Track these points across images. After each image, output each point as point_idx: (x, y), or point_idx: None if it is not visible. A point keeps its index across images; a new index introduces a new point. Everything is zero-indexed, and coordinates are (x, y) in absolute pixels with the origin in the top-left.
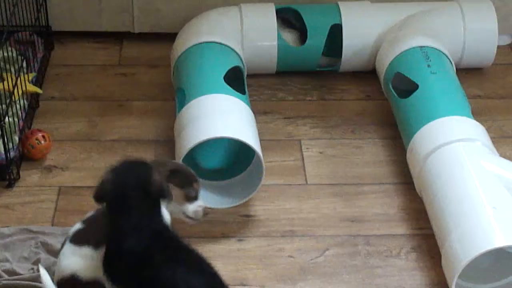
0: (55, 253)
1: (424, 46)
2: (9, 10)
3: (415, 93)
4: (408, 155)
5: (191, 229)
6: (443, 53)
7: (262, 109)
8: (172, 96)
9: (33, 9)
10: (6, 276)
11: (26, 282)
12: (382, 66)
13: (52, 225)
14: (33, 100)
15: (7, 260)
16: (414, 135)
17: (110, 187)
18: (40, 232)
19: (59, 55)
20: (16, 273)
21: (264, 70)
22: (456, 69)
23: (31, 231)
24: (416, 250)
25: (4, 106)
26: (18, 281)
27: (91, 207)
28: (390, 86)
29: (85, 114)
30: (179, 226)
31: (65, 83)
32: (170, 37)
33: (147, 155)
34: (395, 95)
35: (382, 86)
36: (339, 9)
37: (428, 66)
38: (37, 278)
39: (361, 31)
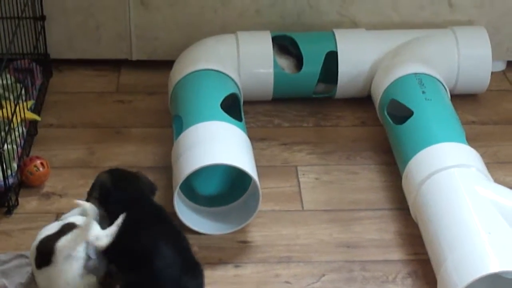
0: None
1: (418, 73)
2: (9, 38)
3: (410, 120)
4: (403, 181)
5: None
6: (438, 80)
7: (258, 135)
8: (169, 123)
9: (32, 37)
10: None
11: None
12: (377, 93)
13: None
14: (32, 128)
15: (5, 287)
16: (409, 161)
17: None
18: None
19: (57, 82)
20: None
21: (260, 97)
22: (451, 95)
23: (27, 257)
24: (412, 276)
25: (3, 133)
26: None
27: None
28: (385, 113)
29: (83, 141)
30: None
31: (63, 111)
32: (167, 65)
33: None
34: (390, 121)
35: (377, 113)
36: (335, 36)
37: (423, 92)
38: None
39: (356, 58)
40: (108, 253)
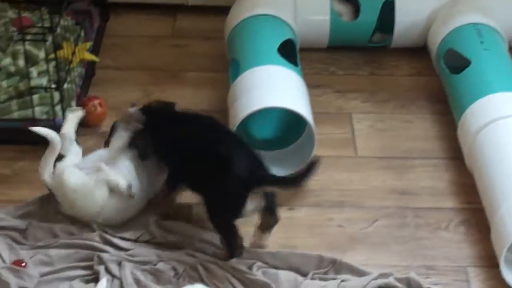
0: None
1: (477, 23)
2: None
3: (467, 69)
4: (459, 130)
5: None
6: (496, 30)
7: (313, 82)
8: (225, 67)
9: None
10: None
11: (83, 241)
12: (434, 42)
13: None
14: (89, 69)
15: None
16: (466, 110)
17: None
18: None
19: (114, 26)
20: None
21: (315, 44)
22: (509, 46)
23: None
24: (464, 224)
25: (62, 73)
26: (75, 240)
27: None
28: (442, 62)
29: (139, 83)
30: None
31: (120, 53)
32: (223, 10)
33: None
34: (447, 71)
35: (433, 62)
36: None
37: (481, 42)
38: (93, 237)
39: (413, 7)
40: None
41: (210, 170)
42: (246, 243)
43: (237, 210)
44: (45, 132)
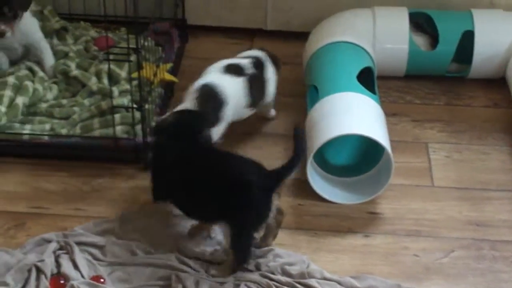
0: None
1: None
2: (155, 2)
3: None
4: None
5: (318, 223)
6: None
7: (389, 110)
8: (301, 93)
9: (172, 2)
10: (141, 254)
11: (160, 260)
12: None
13: None
14: (168, 89)
15: (141, 240)
16: None
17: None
18: None
19: (192, 47)
20: (151, 252)
21: (393, 72)
22: None
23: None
24: None
25: (144, 93)
26: (153, 259)
27: None
28: None
29: None
30: (305, 219)
31: (197, 75)
32: (300, 36)
33: (276, 148)
34: None
35: None
36: (472, 16)
37: None
38: (171, 257)
39: (493, 38)
40: None
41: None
42: None
43: (264, 217)
44: None
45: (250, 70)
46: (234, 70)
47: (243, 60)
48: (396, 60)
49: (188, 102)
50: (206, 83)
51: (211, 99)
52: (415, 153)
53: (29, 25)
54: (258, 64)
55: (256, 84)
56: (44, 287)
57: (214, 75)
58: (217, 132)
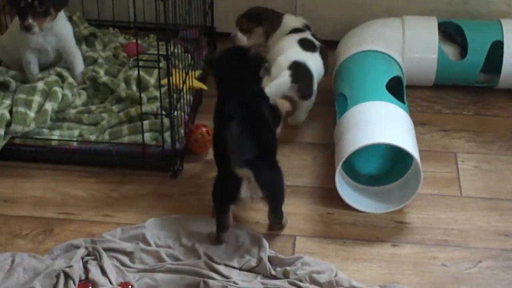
0: None
1: None
2: (184, 9)
3: None
4: None
5: (346, 231)
6: None
7: (418, 120)
8: (329, 101)
9: (201, 10)
10: (169, 261)
11: (189, 267)
12: None
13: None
14: (197, 96)
15: (169, 247)
16: None
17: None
18: None
19: None
20: (179, 258)
21: (421, 82)
22: None
23: None
24: None
25: (173, 99)
26: (181, 266)
27: None
28: None
29: None
30: (333, 228)
31: None
32: (329, 44)
33: (304, 156)
34: None
35: None
36: (501, 26)
37: None
38: (199, 264)
39: None
40: None
41: None
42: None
43: None
44: None
45: (318, 43)
46: (309, 45)
47: (308, 34)
48: (425, 70)
49: (283, 78)
50: (296, 60)
51: (305, 75)
52: (444, 163)
53: (64, 29)
54: (315, 37)
55: (325, 57)
56: None
57: (297, 52)
58: (309, 105)
